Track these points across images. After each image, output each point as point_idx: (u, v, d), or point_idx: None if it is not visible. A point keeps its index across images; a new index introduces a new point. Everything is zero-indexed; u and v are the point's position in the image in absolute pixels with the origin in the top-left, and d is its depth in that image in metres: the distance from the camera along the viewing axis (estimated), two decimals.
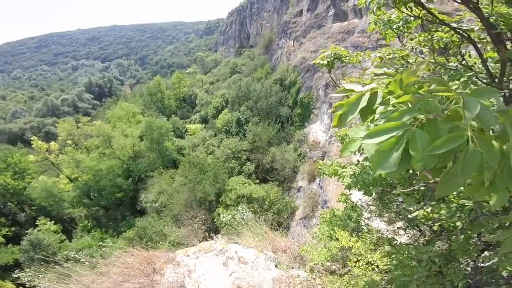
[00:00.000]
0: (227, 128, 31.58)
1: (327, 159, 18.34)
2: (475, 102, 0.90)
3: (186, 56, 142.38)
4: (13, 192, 30.82)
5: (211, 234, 6.22)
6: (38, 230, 25.99)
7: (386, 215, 3.90)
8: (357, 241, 3.64)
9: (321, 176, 3.99)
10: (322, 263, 3.74)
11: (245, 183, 21.41)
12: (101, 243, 22.27)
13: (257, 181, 22.85)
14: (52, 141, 35.13)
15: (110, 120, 38.01)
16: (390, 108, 1.11)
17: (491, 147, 0.90)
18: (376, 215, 4.02)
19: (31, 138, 34.76)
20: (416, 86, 1.17)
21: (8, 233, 28.44)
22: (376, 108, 1.16)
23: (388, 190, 3.54)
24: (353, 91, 1.24)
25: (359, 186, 3.36)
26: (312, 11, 34.95)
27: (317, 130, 25.35)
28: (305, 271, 3.79)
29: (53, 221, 28.32)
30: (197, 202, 20.31)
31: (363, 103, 1.14)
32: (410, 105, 1.04)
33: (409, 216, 3.41)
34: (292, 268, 3.95)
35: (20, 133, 75.07)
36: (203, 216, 18.25)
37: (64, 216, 31.19)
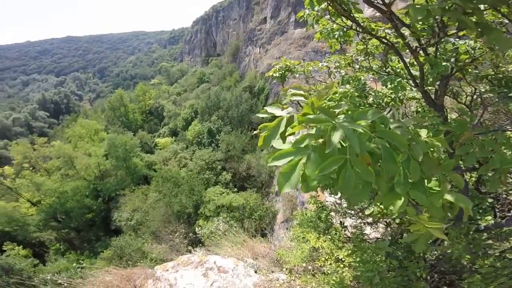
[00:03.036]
0: (199, 140, 31.27)
1: None
2: (340, 130, 1.10)
3: (149, 67, 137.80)
4: None
5: (194, 247, 6.20)
6: (7, 256, 24.09)
7: (352, 212, 4.21)
8: (325, 241, 3.74)
9: None
10: (299, 265, 3.85)
11: (223, 192, 21.32)
12: (78, 264, 20.73)
13: (235, 189, 22.87)
14: (6, 165, 31.92)
15: (71, 139, 35.58)
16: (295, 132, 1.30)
17: (365, 166, 1.11)
18: (342, 214, 4.27)
19: None
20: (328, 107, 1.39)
21: None
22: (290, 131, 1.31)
23: None
24: (274, 115, 1.37)
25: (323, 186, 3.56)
26: (275, 18, 36.19)
27: None
28: (285, 274, 3.87)
29: (21, 246, 26.40)
30: (175, 216, 19.93)
31: (282, 128, 1.28)
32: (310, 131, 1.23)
33: (366, 213, 3.62)
34: (273, 272, 4.05)
35: None
36: (183, 230, 17.85)
37: (32, 240, 29.09)
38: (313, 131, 1.20)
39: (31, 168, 32.70)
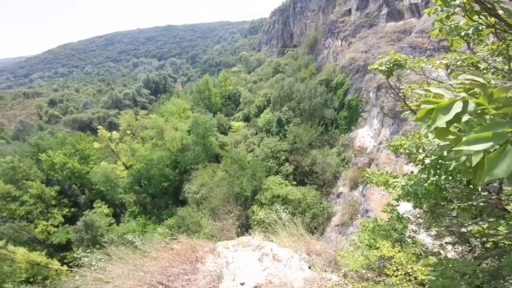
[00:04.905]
0: (268, 128, 31.85)
1: (374, 167, 17.47)
2: None
3: (232, 55, 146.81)
4: (78, 176, 34.64)
5: (246, 230, 6.42)
6: (93, 212, 28.31)
7: (435, 229, 3.83)
8: (399, 251, 3.59)
9: (367, 184, 3.95)
10: (357, 270, 3.73)
11: (282, 183, 21.29)
12: (144, 229, 24.06)
13: (295, 182, 22.64)
14: (114, 131, 39.42)
15: (164, 114, 41.50)
16: (477, 119, 1.20)
17: None
18: (424, 228, 3.94)
19: (97, 127, 39.55)
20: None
21: (68, 213, 31.60)
22: (461, 117, 1.21)
23: (442, 204, 3.43)
24: (442, 95, 1.31)
25: (409, 198, 3.27)
26: (362, 10, 33.29)
27: (365, 135, 24.16)
28: (338, 275, 3.79)
29: (107, 205, 31.04)
30: (233, 197, 20.68)
31: (457, 109, 1.19)
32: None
33: (463, 230, 3.33)
34: (325, 271, 3.96)
35: (88, 122, 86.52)
36: (238, 212, 18.62)
37: (116, 201, 34.04)
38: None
39: (131, 135, 39.23)
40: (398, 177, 3.60)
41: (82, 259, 4.18)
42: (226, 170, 23.36)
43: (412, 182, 3.21)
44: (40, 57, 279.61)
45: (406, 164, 15.56)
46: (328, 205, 19.62)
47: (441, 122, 1.20)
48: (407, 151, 3.42)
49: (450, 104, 1.22)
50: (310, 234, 5.20)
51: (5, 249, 22.44)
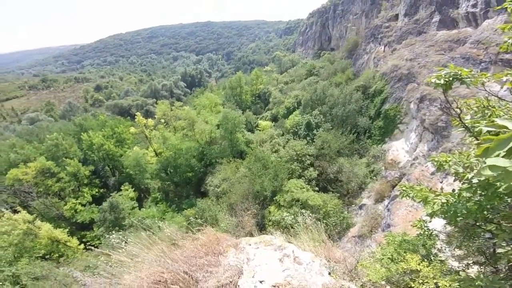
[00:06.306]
0: (296, 130, 31.38)
1: (405, 182, 16.48)
2: None
3: (265, 54, 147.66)
4: (112, 158, 36.61)
5: (260, 230, 6.34)
6: (119, 195, 29.36)
7: (465, 248, 3.84)
8: (427, 266, 3.61)
9: (402, 198, 3.86)
10: (376, 282, 3.74)
11: (304, 188, 20.87)
12: (163, 216, 24.49)
13: (317, 188, 22.09)
14: (150, 118, 41.42)
15: (196, 107, 43.13)
16: None
17: None
18: (456, 246, 3.93)
19: (135, 114, 41.72)
20: None
21: (97, 193, 33.04)
22: None
23: (479, 224, 3.40)
24: (506, 127, 1.33)
25: (446, 215, 3.25)
26: (410, 16, 31.52)
27: (399, 148, 22.86)
28: (356, 285, 3.78)
29: (133, 189, 32.32)
30: (253, 195, 20.71)
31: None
32: None
33: (499, 251, 3.35)
34: (344, 279, 3.95)
35: (128, 108, 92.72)
36: (255, 211, 18.56)
37: (142, 185, 35.37)
38: None
39: (165, 124, 41.18)
40: (440, 194, 3.42)
41: (111, 240, 4.20)
42: (249, 168, 23.46)
43: (454, 200, 3.22)
44: (92, 45, 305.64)
45: (441, 182, 14.56)
46: (348, 215, 18.94)
47: (497, 154, 1.19)
48: (452, 168, 3.36)
49: (509, 137, 1.19)
50: (332, 241, 5.04)
51: (32, 224, 22.98)
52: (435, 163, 3.56)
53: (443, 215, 3.30)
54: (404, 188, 3.86)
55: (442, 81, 3.39)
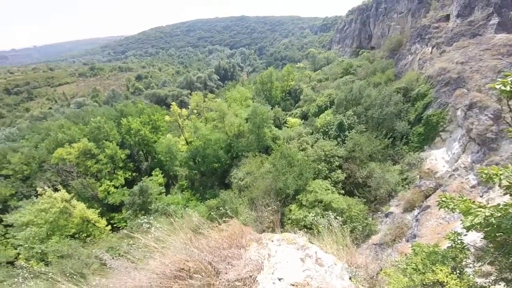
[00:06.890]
0: (326, 130, 30.47)
1: (440, 193, 15.43)
2: None
3: (298, 50, 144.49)
4: (146, 143, 38.69)
5: (277, 227, 6.23)
6: (150, 180, 30.63)
7: (497, 264, 3.73)
8: (455, 279, 3.58)
9: (441, 208, 3.71)
10: None
11: (329, 189, 20.32)
12: (186, 203, 25.09)
13: (342, 191, 21.39)
14: (184, 108, 43.28)
15: (228, 100, 43.87)
16: None
17: None
18: (487, 261, 3.84)
19: (170, 103, 44.03)
20: None
21: (129, 177, 34.68)
22: None
23: None
24: None
25: (487, 229, 3.13)
26: (464, 17, 28.83)
27: (439, 157, 21.29)
28: None
29: (163, 175, 33.77)
30: (275, 192, 20.56)
31: None
32: None
33: None
34: (363, 286, 3.86)
35: (164, 97, 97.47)
36: (276, 207, 18.33)
37: (171, 172, 36.85)
38: None
39: (197, 114, 42.76)
40: (485, 207, 3.23)
41: (141, 223, 4.17)
42: (274, 164, 23.35)
43: (499, 214, 3.09)
44: (135, 37, 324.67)
45: (481, 196, 13.31)
46: (372, 222, 18.13)
47: None
48: (505, 181, 3.17)
49: None
50: (355, 246, 4.89)
51: (69, 202, 24.07)
52: (484, 176, 3.32)
53: (482, 229, 3.18)
54: (444, 199, 3.64)
55: (508, 88, 3.07)
